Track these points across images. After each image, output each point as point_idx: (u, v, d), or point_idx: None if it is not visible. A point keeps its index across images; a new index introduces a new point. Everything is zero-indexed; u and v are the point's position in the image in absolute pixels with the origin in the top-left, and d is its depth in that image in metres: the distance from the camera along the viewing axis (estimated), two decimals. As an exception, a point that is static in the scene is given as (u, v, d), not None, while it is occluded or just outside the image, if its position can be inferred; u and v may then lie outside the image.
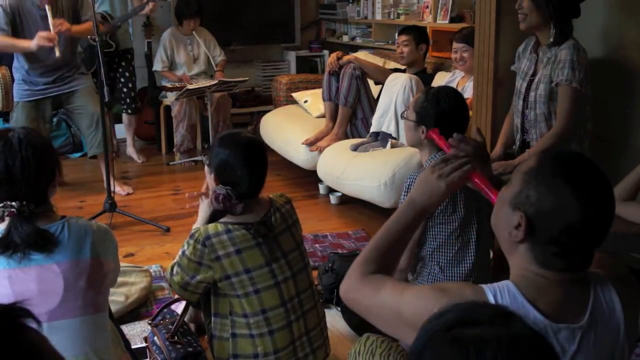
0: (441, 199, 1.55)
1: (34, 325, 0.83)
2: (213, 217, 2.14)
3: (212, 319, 2.13)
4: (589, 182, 1.22)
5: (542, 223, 1.22)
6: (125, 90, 5.31)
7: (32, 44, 4.00)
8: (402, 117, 2.43)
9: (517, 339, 0.81)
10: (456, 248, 2.35)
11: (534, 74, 2.94)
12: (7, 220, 1.74)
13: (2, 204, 1.72)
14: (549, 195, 1.21)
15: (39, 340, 0.83)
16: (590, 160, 1.25)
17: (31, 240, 1.71)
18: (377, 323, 1.39)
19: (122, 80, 5.31)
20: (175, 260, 2.15)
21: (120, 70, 5.30)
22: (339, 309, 2.79)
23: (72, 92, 4.33)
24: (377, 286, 1.38)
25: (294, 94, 5.24)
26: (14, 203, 1.71)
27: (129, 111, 5.35)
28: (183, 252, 2.08)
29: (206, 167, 2.18)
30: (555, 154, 1.29)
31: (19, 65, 4.28)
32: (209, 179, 2.16)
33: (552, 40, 2.82)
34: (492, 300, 1.21)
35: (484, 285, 1.25)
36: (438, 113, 2.30)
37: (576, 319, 1.22)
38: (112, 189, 3.84)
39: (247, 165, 2.09)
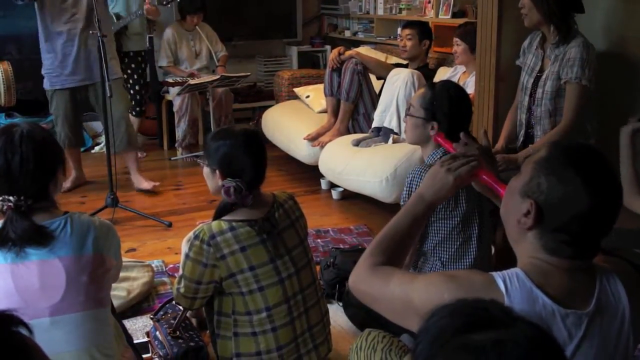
0: (449, 192, 1.57)
1: (24, 331, 0.83)
2: (220, 213, 2.14)
3: (215, 317, 2.12)
4: (598, 173, 1.24)
5: (552, 211, 1.24)
6: (132, 92, 5.29)
7: None
8: (407, 114, 2.42)
9: (532, 339, 0.80)
10: (458, 243, 2.35)
11: (540, 70, 2.93)
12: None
13: (1, 198, 1.72)
14: (559, 184, 1.23)
15: (29, 346, 0.83)
16: (599, 151, 1.28)
17: (26, 236, 1.71)
18: (386, 313, 1.39)
19: (130, 82, 5.30)
20: (178, 275, 2.14)
21: (129, 71, 5.28)
22: (341, 304, 2.79)
23: (95, 83, 4.17)
24: (386, 277, 1.39)
25: (296, 89, 5.24)
26: (11, 197, 1.72)
27: (133, 113, 5.32)
28: (186, 255, 2.06)
29: (205, 169, 2.15)
30: (566, 145, 1.32)
31: (43, 46, 4.18)
32: (212, 180, 2.13)
33: (557, 38, 2.82)
34: (501, 286, 1.23)
35: (493, 273, 1.27)
36: (450, 107, 2.30)
37: (583, 305, 1.25)
38: (113, 185, 3.83)
39: (249, 152, 2.08)
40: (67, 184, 4.41)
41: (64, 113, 4.29)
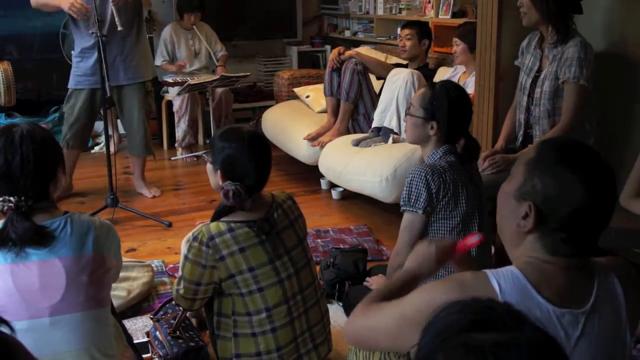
0: (432, 265, 1.59)
1: (6, 329, 0.83)
2: (219, 215, 2.13)
3: (215, 318, 2.12)
4: (590, 166, 1.25)
5: (550, 209, 1.25)
6: None
7: (64, 4, 3.83)
8: (407, 114, 2.42)
9: (535, 345, 0.80)
10: (458, 243, 2.35)
11: (539, 70, 2.94)
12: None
13: (1, 199, 1.73)
14: (554, 181, 1.24)
15: (10, 344, 0.83)
16: (588, 146, 1.30)
17: (27, 236, 1.71)
18: (384, 341, 1.37)
19: None
20: (178, 275, 2.14)
21: None
22: (341, 304, 2.80)
23: (120, 86, 4.11)
24: (378, 307, 1.40)
25: (296, 89, 5.24)
26: (12, 198, 1.72)
27: None
28: (185, 257, 2.06)
29: (209, 165, 2.14)
30: (554, 142, 1.34)
31: (76, 45, 4.14)
32: (214, 177, 2.13)
33: (555, 37, 2.83)
34: (495, 284, 1.22)
35: (486, 270, 1.26)
36: (450, 107, 2.31)
37: (580, 304, 1.24)
38: (113, 185, 3.83)
39: (254, 158, 2.07)
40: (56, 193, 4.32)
41: (77, 113, 4.18)
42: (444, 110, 2.31)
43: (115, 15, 3.72)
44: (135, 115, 4.23)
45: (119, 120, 5.48)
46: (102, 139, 5.31)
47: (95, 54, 3.98)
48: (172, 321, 2.45)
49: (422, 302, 1.25)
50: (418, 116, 2.35)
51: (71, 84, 4.22)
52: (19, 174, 1.72)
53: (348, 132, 4.30)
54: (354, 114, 4.33)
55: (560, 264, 1.26)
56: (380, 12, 5.71)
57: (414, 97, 2.43)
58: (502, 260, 2.55)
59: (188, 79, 5.22)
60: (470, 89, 3.55)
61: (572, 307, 1.23)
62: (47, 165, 1.78)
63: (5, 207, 1.72)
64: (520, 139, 3.02)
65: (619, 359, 1.28)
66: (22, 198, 1.73)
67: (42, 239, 1.74)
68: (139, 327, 2.69)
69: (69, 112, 4.24)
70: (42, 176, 1.77)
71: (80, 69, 4.15)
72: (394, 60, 4.71)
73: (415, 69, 4.13)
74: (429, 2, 4.99)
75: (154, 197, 4.44)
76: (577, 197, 1.22)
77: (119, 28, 3.72)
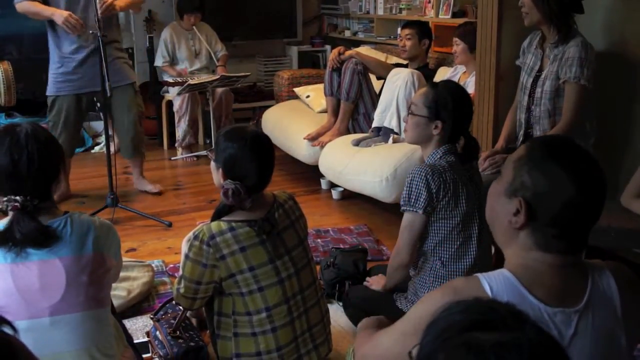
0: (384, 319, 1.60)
1: (8, 330, 0.84)
2: (219, 214, 2.14)
3: (216, 317, 2.12)
4: (577, 159, 1.26)
5: (541, 204, 1.25)
6: None
7: (57, 16, 3.80)
8: (409, 113, 2.42)
9: (537, 346, 0.79)
10: (458, 243, 2.35)
11: (540, 70, 2.94)
12: (10, 214, 1.74)
13: (6, 198, 1.73)
14: (543, 176, 1.25)
15: (13, 345, 0.83)
16: (575, 142, 1.30)
17: (32, 236, 1.71)
18: None
19: None
20: (178, 275, 2.14)
21: None
22: (341, 304, 2.80)
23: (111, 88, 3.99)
24: (376, 335, 1.40)
25: (296, 89, 5.24)
26: (18, 197, 1.72)
27: None
28: (186, 256, 2.06)
29: (212, 163, 2.14)
30: (542, 139, 1.35)
31: (53, 51, 4.05)
32: (216, 175, 2.13)
33: (556, 37, 2.83)
34: (487, 287, 1.23)
35: (477, 274, 1.27)
36: (454, 105, 2.31)
37: (573, 303, 1.24)
38: (113, 185, 3.82)
39: (255, 159, 2.07)
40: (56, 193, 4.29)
41: (64, 120, 4.11)
42: (449, 110, 2.31)
43: (98, 25, 3.63)
44: (126, 116, 4.17)
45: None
46: (102, 139, 5.31)
47: (82, 58, 3.97)
48: (172, 321, 2.45)
49: (418, 315, 1.25)
50: (422, 115, 2.35)
51: (51, 91, 4.11)
52: (25, 174, 1.72)
53: (348, 132, 4.30)
54: (354, 114, 4.33)
55: (552, 262, 1.26)
56: (380, 12, 5.71)
57: (417, 96, 2.42)
58: (502, 260, 2.55)
59: (188, 79, 5.22)
60: (470, 89, 3.55)
61: (565, 306, 1.23)
62: (51, 164, 1.79)
63: (11, 207, 1.72)
64: (521, 139, 3.02)
65: (614, 358, 1.28)
66: (28, 197, 1.73)
67: (46, 239, 1.73)
68: (139, 327, 2.69)
69: (54, 121, 4.13)
70: (47, 176, 1.78)
71: (62, 74, 4.06)
72: (394, 60, 4.71)
73: (416, 69, 4.13)
74: (429, 2, 4.99)
75: (159, 192, 4.43)
76: (567, 191, 1.23)
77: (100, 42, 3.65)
